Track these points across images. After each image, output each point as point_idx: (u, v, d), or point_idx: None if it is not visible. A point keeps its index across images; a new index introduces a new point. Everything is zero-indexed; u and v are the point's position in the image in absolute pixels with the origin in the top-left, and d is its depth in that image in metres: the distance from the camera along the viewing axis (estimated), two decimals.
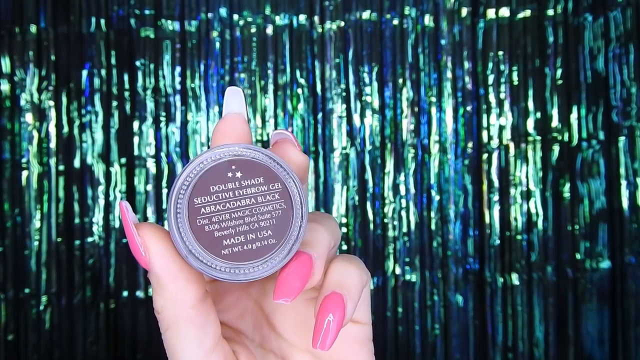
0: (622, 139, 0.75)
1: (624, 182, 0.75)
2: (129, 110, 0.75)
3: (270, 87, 0.76)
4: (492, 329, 0.75)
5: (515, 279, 0.75)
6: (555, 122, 0.76)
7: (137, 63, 0.75)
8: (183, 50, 0.76)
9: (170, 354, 0.26)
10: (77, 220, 0.74)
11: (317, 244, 0.26)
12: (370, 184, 0.76)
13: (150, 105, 0.75)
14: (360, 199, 0.76)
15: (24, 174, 0.75)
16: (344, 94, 0.76)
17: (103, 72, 0.75)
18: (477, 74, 0.76)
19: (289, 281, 0.25)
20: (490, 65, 0.76)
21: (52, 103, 0.75)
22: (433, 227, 0.75)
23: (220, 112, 0.75)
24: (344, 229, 0.75)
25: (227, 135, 0.26)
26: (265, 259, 0.24)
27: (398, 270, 0.75)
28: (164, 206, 0.74)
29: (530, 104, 0.76)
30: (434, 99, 0.76)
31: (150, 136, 0.75)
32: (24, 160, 0.75)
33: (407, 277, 0.75)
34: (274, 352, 0.29)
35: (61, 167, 0.75)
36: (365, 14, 0.76)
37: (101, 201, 0.75)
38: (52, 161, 0.75)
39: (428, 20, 0.76)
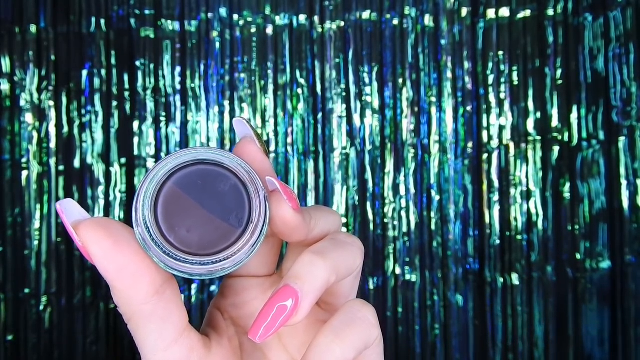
0: (622, 139, 0.75)
1: (624, 182, 0.75)
2: (129, 110, 0.75)
3: (270, 87, 0.76)
4: (492, 329, 0.75)
5: (515, 279, 0.75)
6: (555, 122, 0.76)
7: (137, 63, 0.75)
8: (183, 50, 0.76)
9: (135, 341, 0.25)
10: None
11: (311, 280, 0.23)
12: (370, 184, 0.76)
13: (150, 105, 0.75)
14: (360, 199, 0.76)
15: (24, 174, 0.75)
16: (344, 94, 0.76)
17: (103, 72, 0.75)
18: (477, 74, 0.76)
19: (266, 320, 0.23)
20: (490, 65, 0.76)
21: (52, 103, 0.75)
22: (433, 227, 0.75)
23: (221, 112, 0.76)
24: (344, 229, 0.75)
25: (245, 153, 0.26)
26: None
27: (398, 270, 0.75)
28: None
29: (530, 104, 0.76)
30: (434, 99, 0.76)
31: (150, 136, 0.75)
32: (24, 160, 0.75)
33: (407, 277, 0.75)
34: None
35: (61, 167, 0.75)
36: (365, 14, 0.76)
37: (101, 201, 0.75)
38: (52, 161, 0.75)
39: (428, 20, 0.76)
